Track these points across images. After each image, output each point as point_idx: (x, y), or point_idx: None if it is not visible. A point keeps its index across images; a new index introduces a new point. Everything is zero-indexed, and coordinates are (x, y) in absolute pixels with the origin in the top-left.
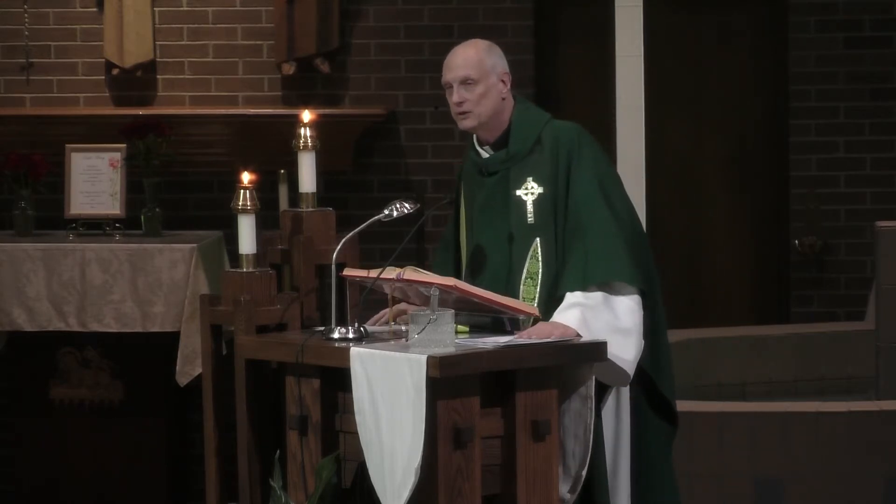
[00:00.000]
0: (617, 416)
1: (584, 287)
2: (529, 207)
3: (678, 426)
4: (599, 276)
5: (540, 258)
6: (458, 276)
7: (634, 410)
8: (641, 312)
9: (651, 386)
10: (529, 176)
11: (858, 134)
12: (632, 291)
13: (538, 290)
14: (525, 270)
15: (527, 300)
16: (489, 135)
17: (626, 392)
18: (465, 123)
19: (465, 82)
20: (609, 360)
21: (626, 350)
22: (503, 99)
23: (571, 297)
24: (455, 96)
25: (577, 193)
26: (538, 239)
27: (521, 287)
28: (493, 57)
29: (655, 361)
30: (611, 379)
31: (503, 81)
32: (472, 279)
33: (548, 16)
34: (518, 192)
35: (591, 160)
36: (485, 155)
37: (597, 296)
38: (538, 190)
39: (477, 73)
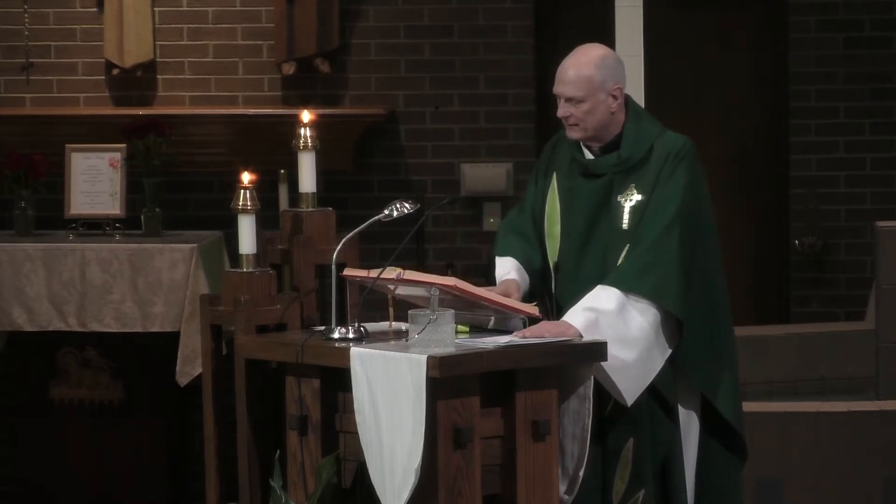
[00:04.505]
0: (686, 433)
1: (627, 289)
2: (626, 213)
3: (746, 459)
4: (641, 289)
5: None
6: (544, 268)
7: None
8: (652, 333)
9: (715, 414)
10: (633, 183)
11: (858, 134)
12: (653, 309)
13: None
14: None
15: None
16: (596, 143)
17: (696, 411)
18: (573, 134)
19: (571, 100)
20: (608, 370)
21: (624, 362)
22: (612, 113)
23: (588, 301)
24: (560, 110)
25: (656, 202)
26: (630, 245)
27: None
28: (605, 72)
29: (713, 385)
30: (616, 392)
31: (613, 96)
32: (561, 276)
33: (548, 16)
34: (619, 198)
35: (685, 176)
36: (589, 155)
37: (614, 304)
38: (637, 197)
39: (584, 92)
